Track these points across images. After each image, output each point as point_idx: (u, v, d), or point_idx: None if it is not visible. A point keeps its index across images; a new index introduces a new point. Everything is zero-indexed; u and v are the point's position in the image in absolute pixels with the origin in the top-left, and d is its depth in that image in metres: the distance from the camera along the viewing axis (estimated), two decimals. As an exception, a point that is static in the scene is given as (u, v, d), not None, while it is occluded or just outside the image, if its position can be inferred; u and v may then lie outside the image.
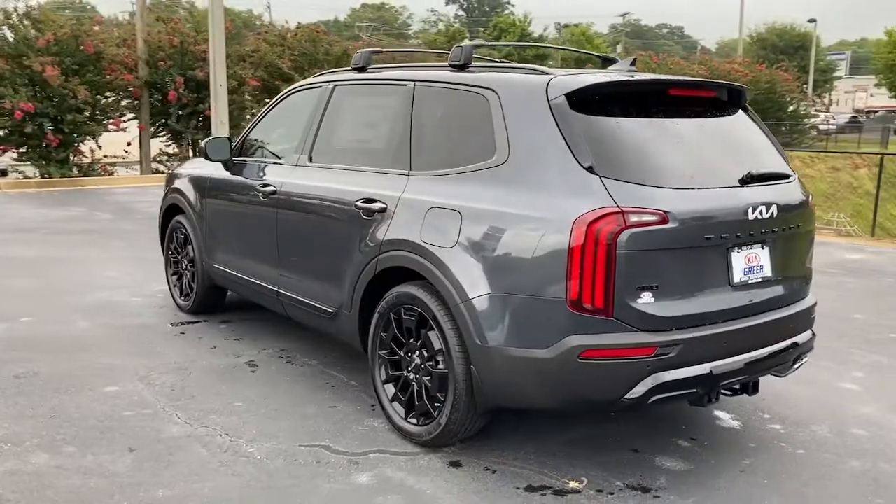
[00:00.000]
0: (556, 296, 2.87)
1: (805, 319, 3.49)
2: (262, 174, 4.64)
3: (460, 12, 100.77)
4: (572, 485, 3.14)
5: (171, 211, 5.73)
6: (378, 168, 3.80)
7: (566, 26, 60.29)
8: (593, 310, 2.83)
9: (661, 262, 2.92)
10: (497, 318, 3.02)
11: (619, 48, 68.86)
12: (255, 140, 4.97)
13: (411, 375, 3.50)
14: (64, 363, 4.48)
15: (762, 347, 3.21)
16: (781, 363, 3.34)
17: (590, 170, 2.90)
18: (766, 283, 3.27)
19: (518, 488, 3.11)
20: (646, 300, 2.89)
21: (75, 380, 4.22)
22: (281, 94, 4.89)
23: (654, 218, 2.85)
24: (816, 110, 45.84)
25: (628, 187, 2.88)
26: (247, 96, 16.94)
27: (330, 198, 3.98)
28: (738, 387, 3.28)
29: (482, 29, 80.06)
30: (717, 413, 3.94)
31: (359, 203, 3.73)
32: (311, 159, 4.28)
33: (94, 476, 3.13)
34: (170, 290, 5.84)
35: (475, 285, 3.08)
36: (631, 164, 2.97)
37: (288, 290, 4.33)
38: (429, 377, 3.38)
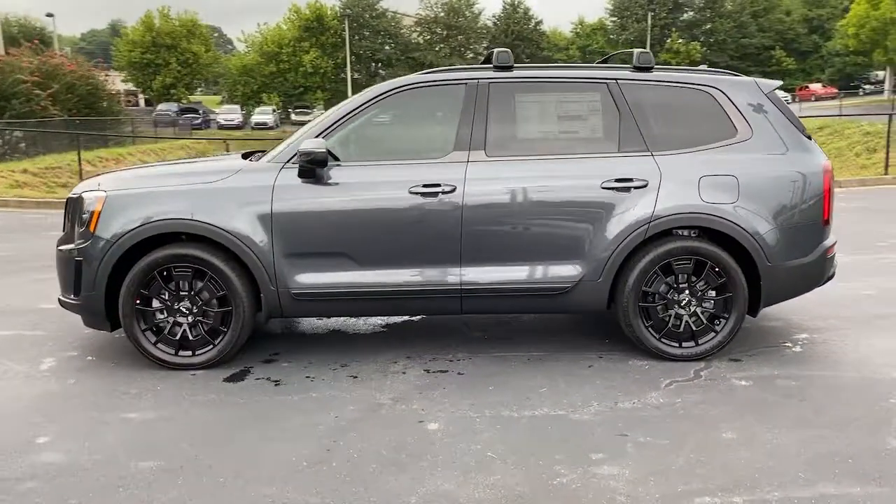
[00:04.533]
0: (816, 219, 4.52)
1: None
2: (401, 175, 4.38)
3: None
4: (800, 343, 4.82)
5: (138, 246, 4.30)
6: (605, 153, 4.47)
7: None
8: (828, 223, 4.60)
9: (827, 191, 4.85)
10: (778, 244, 4.43)
11: None
12: (346, 143, 4.46)
13: (682, 311, 4.48)
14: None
15: None
16: None
17: (808, 137, 4.60)
18: None
19: (792, 351, 4.64)
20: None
21: (386, 441, 3.52)
22: (368, 96, 4.47)
23: (830, 164, 4.75)
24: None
25: (817, 146, 4.69)
26: None
27: (561, 185, 4.40)
28: None
29: None
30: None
31: (608, 184, 4.36)
32: (486, 153, 4.41)
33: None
34: (145, 351, 4.38)
35: (762, 225, 4.40)
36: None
37: (482, 283, 4.40)
38: (705, 306, 4.47)
